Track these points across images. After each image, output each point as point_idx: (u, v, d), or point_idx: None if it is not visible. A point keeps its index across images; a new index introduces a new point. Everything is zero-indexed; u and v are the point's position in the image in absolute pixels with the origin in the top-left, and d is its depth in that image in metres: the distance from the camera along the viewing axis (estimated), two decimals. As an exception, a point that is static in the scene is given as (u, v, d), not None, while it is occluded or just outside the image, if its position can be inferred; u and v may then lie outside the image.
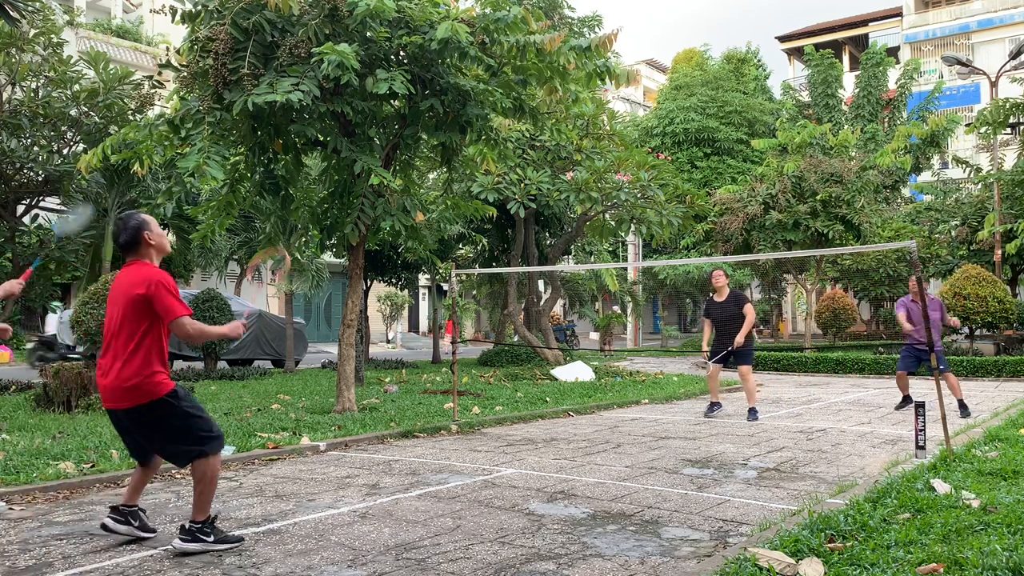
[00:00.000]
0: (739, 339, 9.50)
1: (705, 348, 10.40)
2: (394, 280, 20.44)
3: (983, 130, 18.14)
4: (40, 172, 13.34)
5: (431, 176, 15.95)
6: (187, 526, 4.33)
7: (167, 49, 12.70)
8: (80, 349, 14.69)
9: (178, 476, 6.42)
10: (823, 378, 16.07)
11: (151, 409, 4.24)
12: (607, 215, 16.96)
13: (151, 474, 4.67)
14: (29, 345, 18.82)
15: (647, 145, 28.90)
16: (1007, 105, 17.42)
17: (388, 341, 33.91)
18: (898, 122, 31.03)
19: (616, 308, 34.54)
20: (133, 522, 4.51)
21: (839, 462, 6.95)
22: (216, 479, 4.39)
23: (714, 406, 10.37)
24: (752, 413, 9.80)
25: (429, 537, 4.60)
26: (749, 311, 9.65)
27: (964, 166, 22.92)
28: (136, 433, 4.39)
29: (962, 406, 9.92)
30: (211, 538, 4.30)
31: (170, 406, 4.27)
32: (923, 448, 6.61)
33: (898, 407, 10.56)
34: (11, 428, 8.29)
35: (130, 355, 4.23)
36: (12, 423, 8.64)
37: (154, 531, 4.61)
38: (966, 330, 17.70)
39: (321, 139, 9.41)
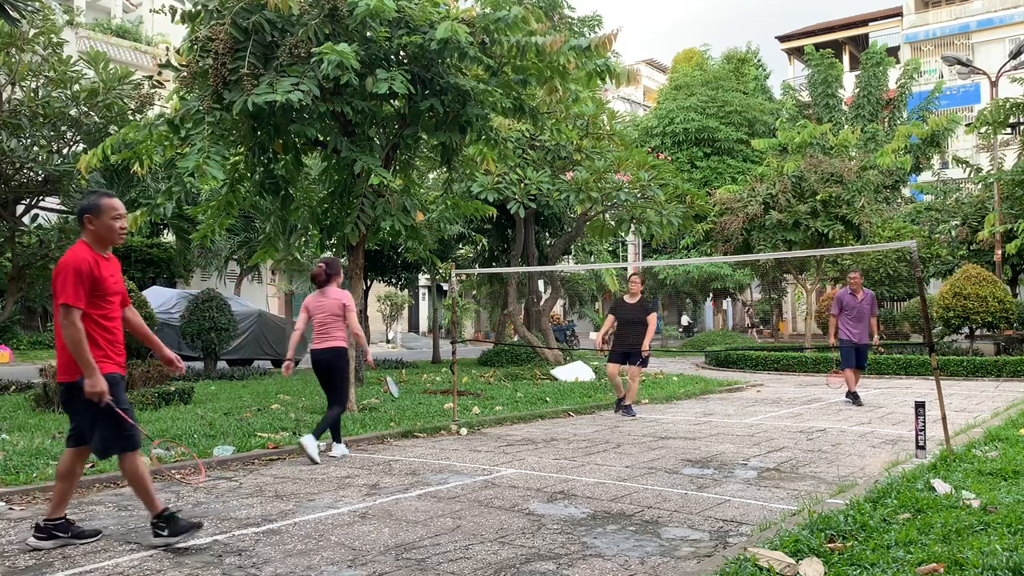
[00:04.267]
0: (645, 345, 10.16)
1: (602, 345, 11.00)
2: (394, 280, 20.45)
3: (983, 130, 18.15)
4: (40, 172, 13.33)
5: (431, 176, 15.94)
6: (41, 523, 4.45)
7: (167, 49, 12.71)
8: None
9: (177, 476, 6.42)
10: (823, 378, 16.05)
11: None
12: (607, 215, 16.96)
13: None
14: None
15: (647, 145, 28.93)
16: (1007, 105, 17.42)
17: (388, 341, 33.91)
18: (898, 122, 31.06)
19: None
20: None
21: (839, 462, 6.95)
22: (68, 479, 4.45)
23: (622, 403, 10.50)
24: (628, 410, 10.34)
25: (429, 537, 4.60)
26: (652, 320, 10.32)
27: (964, 166, 22.90)
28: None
29: (854, 396, 11.31)
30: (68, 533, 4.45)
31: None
32: (923, 448, 6.62)
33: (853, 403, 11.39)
34: (11, 428, 8.28)
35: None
36: (12, 423, 8.64)
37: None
38: (966, 330, 17.69)
39: (321, 139, 9.41)
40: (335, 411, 7.26)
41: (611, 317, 10.55)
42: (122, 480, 6.16)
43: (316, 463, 6.93)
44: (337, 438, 7.35)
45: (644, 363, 10.33)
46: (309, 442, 7.00)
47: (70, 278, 4.20)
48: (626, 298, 10.45)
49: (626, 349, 10.23)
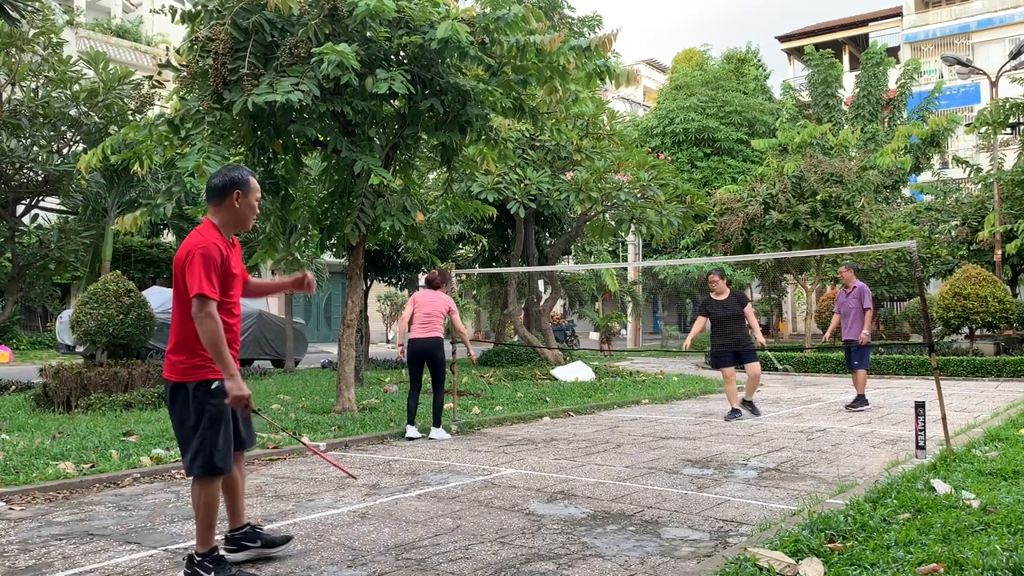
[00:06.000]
0: (760, 339, 9.95)
1: (689, 345, 10.44)
2: (394, 280, 20.44)
3: (983, 130, 18.14)
4: (40, 172, 13.33)
5: (431, 176, 15.94)
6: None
7: (167, 49, 12.70)
8: (80, 349, 14.70)
9: (178, 476, 6.41)
10: (823, 378, 16.07)
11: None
12: (607, 215, 16.95)
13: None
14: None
15: (647, 145, 28.91)
16: (1007, 105, 17.41)
17: (388, 341, 33.89)
18: (898, 122, 31.02)
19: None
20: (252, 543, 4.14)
21: (839, 462, 6.95)
22: (211, 505, 3.89)
23: (735, 412, 9.98)
24: (752, 407, 9.98)
25: (429, 537, 4.60)
26: (750, 311, 9.90)
27: (964, 166, 22.90)
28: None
29: (861, 400, 10.74)
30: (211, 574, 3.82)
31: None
32: (923, 448, 6.62)
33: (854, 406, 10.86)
34: (11, 428, 8.29)
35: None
36: (12, 423, 8.64)
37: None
38: (966, 330, 17.69)
39: (321, 139, 9.41)
40: (440, 396, 8.49)
41: (702, 319, 10.04)
42: (122, 480, 6.16)
43: (451, 436, 8.55)
44: (438, 422, 8.53)
45: (756, 357, 9.97)
46: (437, 434, 8.41)
47: (199, 265, 3.74)
48: (713, 296, 9.99)
49: (736, 348, 9.76)
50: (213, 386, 3.82)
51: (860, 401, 10.75)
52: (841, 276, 10.95)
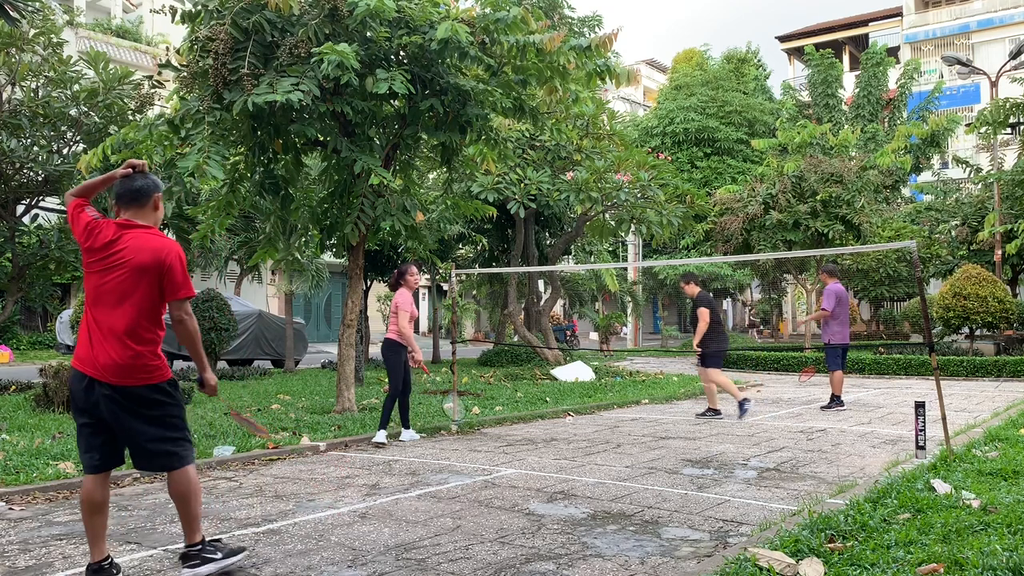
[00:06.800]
0: (694, 342, 10.01)
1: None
2: (394, 280, 20.42)
3: (983, 130, 18.13)
4: (40, 172, 13.32)
5: (431, 176, 15.94)
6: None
7: (167, 49, 12.69)
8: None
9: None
10: (823, 378, 16.04)
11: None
12: (607, 215, 16.96)
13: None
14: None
15: (647, 145, 28.91)
16: (1007, 105, 17.41)
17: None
18: (898, 122, 31.02)
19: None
20: None
21: (839, 462, 6.95)
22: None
23: (708, 412, 10.24)
24: (740, 405, 9.86)
25: (429, 537, 4.60)
26: (700, 314, 9.98)
27: (964, 166, 22.90)
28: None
29: (834, 400, 10.88)
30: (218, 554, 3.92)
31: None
32: (923, 448, 6.61)
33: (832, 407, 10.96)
34: (11, 428, 8.28)
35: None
36: (12, 423, 8.64)
37: None
38: (966, 330, 17.69)
39: (321, 139, 9.41)
40: (390, 399, 8.17)
41: None
42: (122, 480, 6.16)
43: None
44: (384, 424, 8.09)
45: (703, 362, 10.02)
46: (379, 436, 7.98)
47: (183, 267, 3.78)
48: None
49: (701, 350, 10.00)
50: (195, 378, 3.92)
51: (834, 401, 10.91)
52: (820, 278, 11.12)
